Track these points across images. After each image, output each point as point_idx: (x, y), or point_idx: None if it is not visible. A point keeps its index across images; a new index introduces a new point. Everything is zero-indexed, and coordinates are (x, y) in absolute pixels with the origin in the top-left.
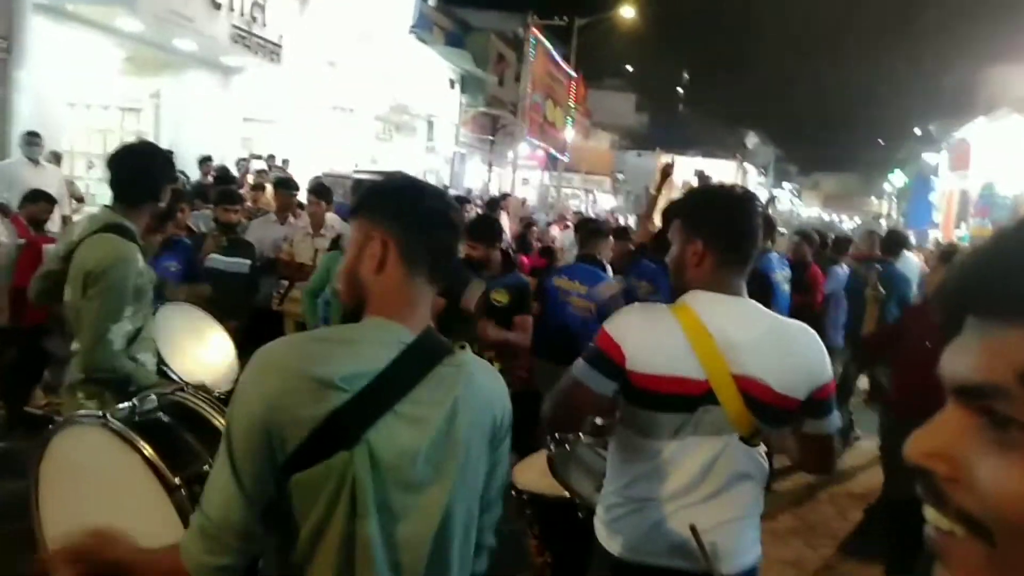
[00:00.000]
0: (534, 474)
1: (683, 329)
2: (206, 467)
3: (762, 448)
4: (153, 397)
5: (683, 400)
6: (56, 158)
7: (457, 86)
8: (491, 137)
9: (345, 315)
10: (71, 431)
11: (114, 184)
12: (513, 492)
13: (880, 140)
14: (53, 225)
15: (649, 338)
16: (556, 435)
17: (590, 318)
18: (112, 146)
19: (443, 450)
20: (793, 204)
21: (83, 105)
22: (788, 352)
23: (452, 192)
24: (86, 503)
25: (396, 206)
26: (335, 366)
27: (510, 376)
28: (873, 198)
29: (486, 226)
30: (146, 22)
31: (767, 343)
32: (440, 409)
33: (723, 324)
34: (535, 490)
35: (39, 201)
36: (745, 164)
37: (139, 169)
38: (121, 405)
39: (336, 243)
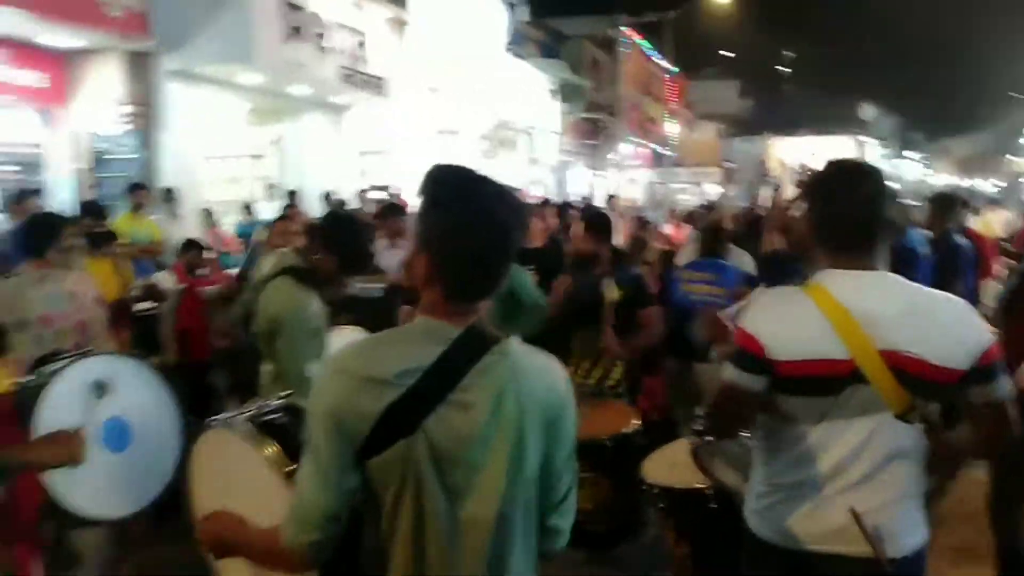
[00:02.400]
0: (663, 467)
1: (819, 309)
2: None
3: (919, 426)
4: (275, 400)
5: (828, 382)
6: (208, 214)
7: (557, 96)
8: (593, 142)
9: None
10: (213, 434)
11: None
12: (643, 486)
13: (1012, 94)
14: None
15: (784, 324)
16: (697, 428)
17: (722, 302)
18: (243, 193)
19: (494, 434)
20: (923, 174)
21: (216, 157)
22: (938, 322)
23: (556, 200)
24: (229, 495)
25: (449, 233)
26: (388, 366)
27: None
28: (1009, 156)
29: (597, 221)
30: (264, 74)
31: (913, 315)
32: (488, 395)
33: (861, 300)
34: (665, 483)
35: (191, 250)
36: (863, 138)
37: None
38: (246, 409)
39: None
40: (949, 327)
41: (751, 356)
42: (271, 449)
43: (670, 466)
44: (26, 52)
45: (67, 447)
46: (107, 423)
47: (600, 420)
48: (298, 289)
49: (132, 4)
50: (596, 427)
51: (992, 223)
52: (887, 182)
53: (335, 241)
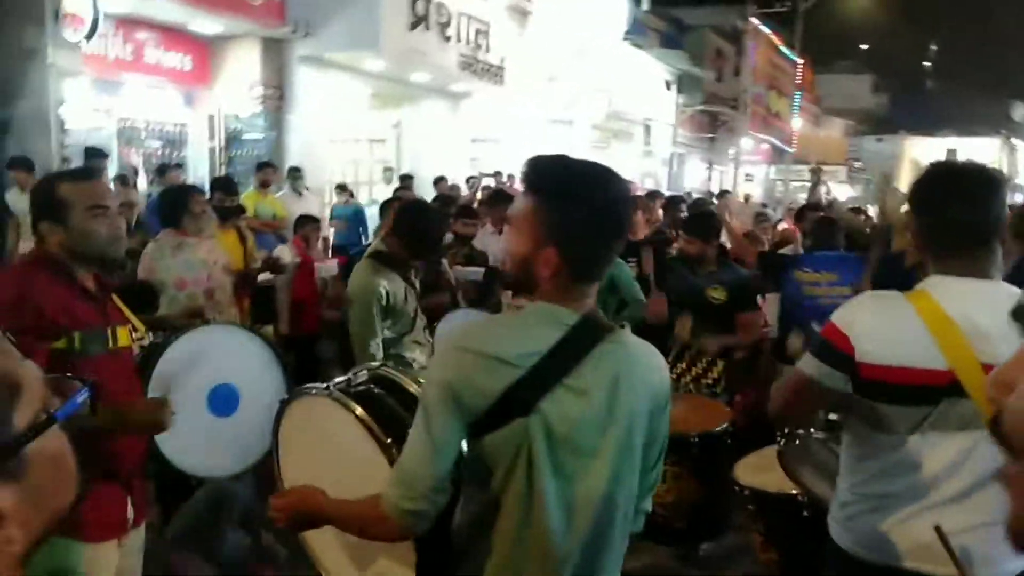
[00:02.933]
0: (757, 470)
1: (920, 317)
2: (408, 425)
3: None
4: (364, 371)
5: (923, 392)
6: (342, 189)
7: (673, 87)
8: (710, 135)
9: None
10: (303, 401)
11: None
12: (735, 488)
13: None
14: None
15: (881, 326)
16: (786, 430)
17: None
18: (362, 175)
19: (607, 419)
20: None
21: (339, 140)
22: None
23: (669, 192)
24: (316, 462)
25: (577, 220)
26: (510, 346)
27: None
28: None
29: (701, 220)
30: (388, 61)
31: None
32: (603, 382)
33: (969, 310)
34: (758, 486)
35: (307, 224)
36: (1014, 140)
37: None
38: (338, 379)
39: None
40: None
41: (838, 352)
42: (363, 415)
43: (764, 469)
44: (175, 37)
45: (153, 415)
46: (216, 388)
47: (691, 417)
48: (372, 271)
49: None
50: (686, 423)
51: None
52: (1001, 183)
53: (402, 227)
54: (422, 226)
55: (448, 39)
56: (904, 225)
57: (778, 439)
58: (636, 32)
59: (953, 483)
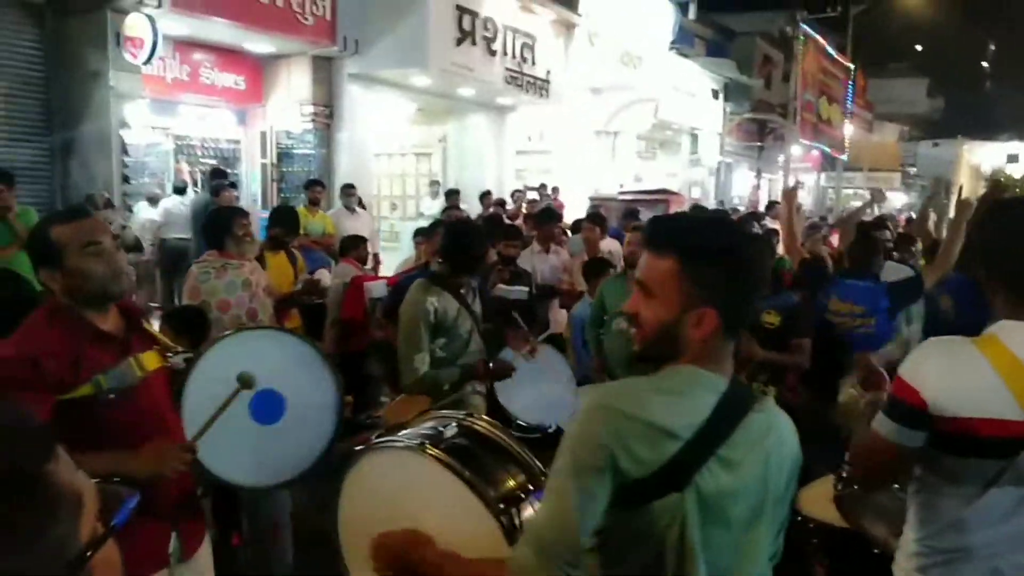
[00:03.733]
0: (823, 501)
1: (992, 365)
2: (512, 484)
3: None
4: (453, 423)
5: (998, 444)
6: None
7: (721, 95)
8: (759, 143)
9: (633, 355)
10: (381, 454)
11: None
12: (798, 518)
13: None
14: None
15: (952, 377)
16: (843, 475)
17: (872, 336)
18: (409, 188)
19: (759, 492)
20: None
21: (385, 155)
22: None
23: (715, 204)
24: (389, 521)
25: (730, 283)
26: (673, 416)
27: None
28: None
29: None
30: (434, 77)
31: None
32: (754, 453)
33: None
34: (824, 519)
35: (359, 244)
36: None
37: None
38: (424, 430)
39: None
40: None
41: (912, 409)
42: (469, 475)
43: (830, 501)
44: (230, 57)
45: (153, 465)
46: (259, 395)
47: None
48: (423, 289)
49: (322, 13)
50: None
51: None
52: None
53: (447, 247)
54: (465, 243)
55: (494, 53)
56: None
57: (836, 482)
58: (683, 41)
59: None
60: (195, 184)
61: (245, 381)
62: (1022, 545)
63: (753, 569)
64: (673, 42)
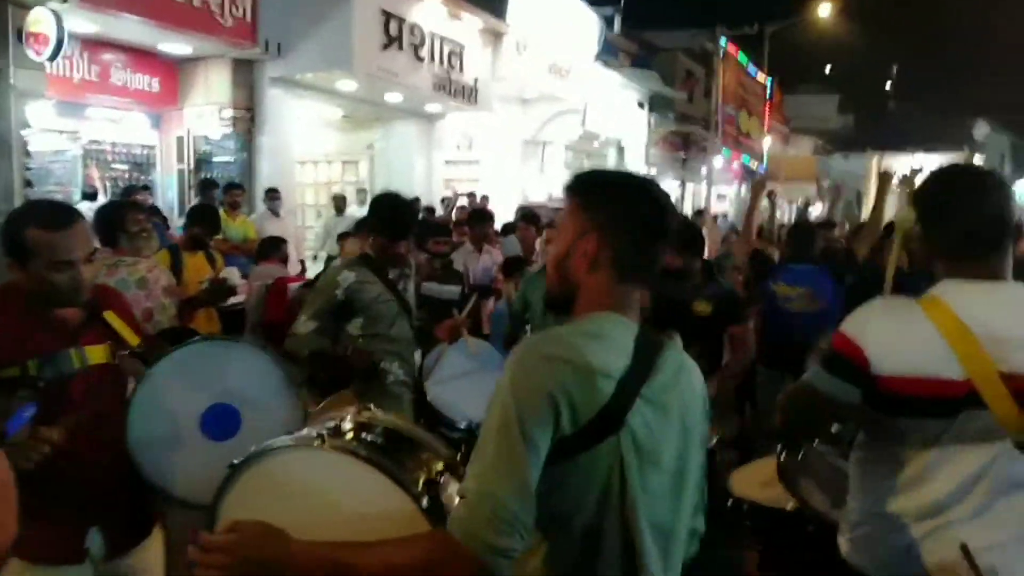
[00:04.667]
0: (754, 483)
1: (935, 324)
2: (427, 467)
3: None
4: (349, 419)
5: (941, 403)
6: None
7: (646, 107)
8: (683, 155)
9: (547, 303)
10: (273, 461)
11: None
12: (729, 503)
13: None
14: (292, 268)
15: (895, 336)
16: (787, 443)
17: (819, 314)
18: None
19: (681, 433)
20: None
21: (311, 162)
22: None
23: None
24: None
25: (621, 211)
26: (605, 357)
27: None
28: None
29: (689, 235)
30: (360, 81)
31: None
32: (673, 393)
33: (985, 316)
34: (758, 500)
35: (280, 246)
36: (975, 157)
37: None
38: (319, 428)
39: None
40: None
41: (850, 365)
42: (376, 458)
43: (762, 483)
44: (143, 58)
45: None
46: (210, 410)
47: None
48: (343, 264)
49: (241, 14)
50: None
51: None
52: (1008, 184)
53: (377, 218)
54: (395, 206)
55: (421, 60)
56: (904, 234)
57: (779, 451)
58: (608, 54)
59: (972, 498)
60: (105, 191)
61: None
62: (965, 503)
63: (686, 517)
64: (598, 55)
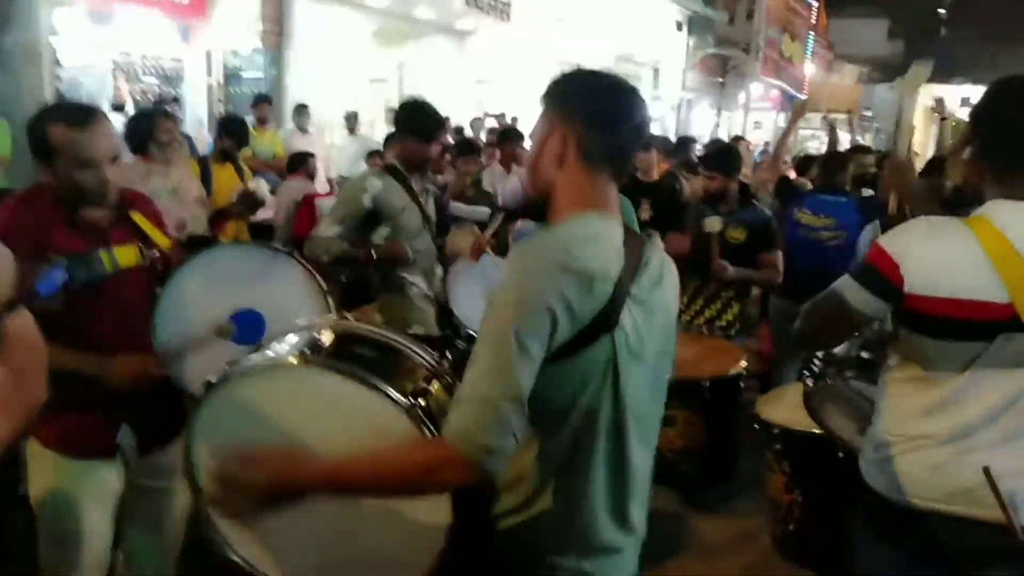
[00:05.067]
0: (785, 407)
1: (980, 244)
2: (413, 376)
3: None
4: (328, 329)
5: (979, 326)
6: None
7: (684, 28)
8: (720, 79)
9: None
10: (252, 380)
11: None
12: (758, 426)
13: None
14: (320, 186)
15: (935, 255)
16: (814, 366)
17: (842, 247)
18: (364, 116)
19: (661, 328)
20: None
21: (341, 79)
22: None
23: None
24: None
25: (580, 100)
26: (601, 259)
27: (745, 350)
28: None
29: (724, 155)
30: None
31: None
32: (657, 292)
33: None
34: (787, 424)
35: (307, 160)
36: None
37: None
38: (297, 342)
39: None
40: None
41: (884, 279)
42: (372, 378)
43: (791, 408)
44: None
45: (126, 376)
46: (236, 314)
47: (704, 360)
48: (370, 172)
49: None
50: (698, 367)
51: None
52: None
53: (404, 119)
54: (421, 109)
55: None
56: (956, 149)
57: (804, 378)
58: None
59: (1002, 424)
60: (136, 104)
61: (223, 333)
62: (993, 428)
63: (660, 409)
64: None
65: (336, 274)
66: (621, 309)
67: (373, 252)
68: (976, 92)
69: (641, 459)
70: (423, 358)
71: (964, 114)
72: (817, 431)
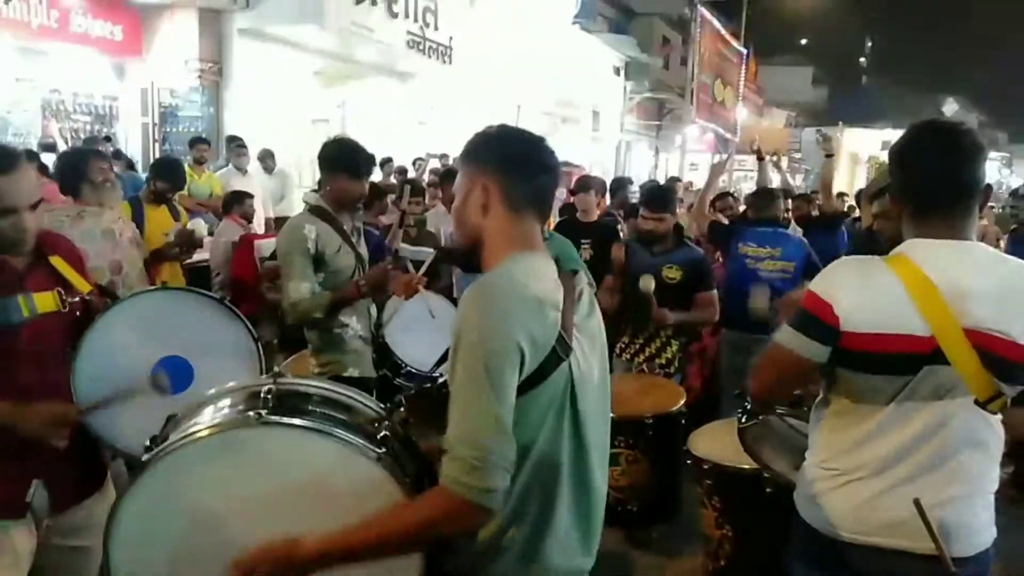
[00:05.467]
0: (715, 443)
1: (901, 281)
2: (370, 425)
3: (999, 416)
4: (267, 387)
5: (905, 360)
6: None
7: (622, 73)
8: (657, 122)
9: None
10: (198, 449)
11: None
12: (688, 460)
13: None
14: (259, 227)
15: (863, 293)
16: (747, 407)
17: (787, 279)
18: (305, 157)
19: (599, 354)
20: (1000, 174)
21: (280, 119)
22: None
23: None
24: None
25: (495, 152)
26: (548, 290)
27: (685, 376)
28: None
29: (661, 195)
30: (332, 35)
31: (1005, 291)
32: (592, 319)
33: (950, 273)
34: (717, 460)
35: (244, 200)
36: None
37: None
38: (239, 403)
39: None
40: None
41: (822, 324)
42: (340, 433)
43: (722, 444)
44: (103, 4)
45: (46, 426)
46: (161, 362)
47: (645, 398)
48: (302, 218)
49: None
50: (640, 405)
51: None
52: (982, 144)
53: (333, 158)
54: (347, 142)
55: (395, 15)
56: (869, 196)
57: (738, 414)
58: (585, 16)
59: (927, 454)
60: (66, 143)
61: (158, 385)
62: (917, 457)
63: (608, 431)
64: (576, 17)
65: (270, 320)
66: (571, 335)
67: (360, 286)
68: (895, 135)
69: (601, 482)
70: (367, 405)
71: (885, 157)
72: (746, 466)
